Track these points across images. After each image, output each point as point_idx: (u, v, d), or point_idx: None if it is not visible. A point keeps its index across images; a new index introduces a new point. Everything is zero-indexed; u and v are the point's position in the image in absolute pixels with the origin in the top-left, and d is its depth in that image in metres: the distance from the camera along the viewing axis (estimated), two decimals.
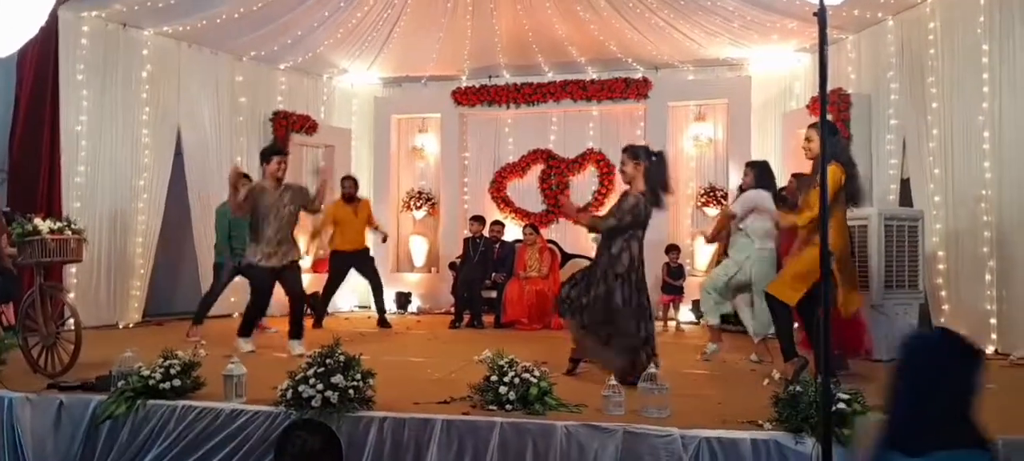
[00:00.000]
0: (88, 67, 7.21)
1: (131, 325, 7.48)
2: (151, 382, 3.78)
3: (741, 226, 5.36)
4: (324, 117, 9.69)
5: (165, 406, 3.73)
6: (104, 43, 7.36)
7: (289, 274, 5.65)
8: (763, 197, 5.32)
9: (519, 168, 9.68)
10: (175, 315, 8.19)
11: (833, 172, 4.22)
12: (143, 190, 7.70)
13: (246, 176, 6.21)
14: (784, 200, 6.19)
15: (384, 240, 8.37)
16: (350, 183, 7.92)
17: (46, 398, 3.96)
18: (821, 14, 2.56)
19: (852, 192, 4.44)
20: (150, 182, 7.77)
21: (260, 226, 5.56)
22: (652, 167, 4.57)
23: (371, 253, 8.08)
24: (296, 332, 5.65)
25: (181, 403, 3.73)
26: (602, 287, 4.46)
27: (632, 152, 4.65)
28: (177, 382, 3.79)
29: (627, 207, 4.49)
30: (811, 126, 4.55)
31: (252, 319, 5.80)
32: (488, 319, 7.92)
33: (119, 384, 3.87)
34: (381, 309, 7.82)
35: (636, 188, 4.56)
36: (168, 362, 3.86)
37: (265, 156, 5.75)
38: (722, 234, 5.65)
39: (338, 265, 7.83)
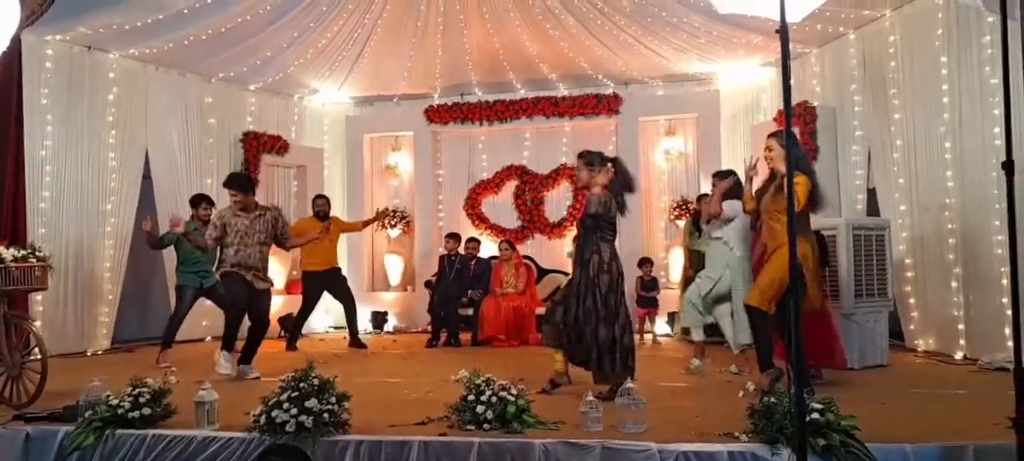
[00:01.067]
0: (52, 91, 7.08)
1: (99, 352, 7.31)
2: (120, 411, 3.69)
3: (718, 235, 5.43)
4: (295, 137, 9.62)
5: (135, 435, 3.64)
6: (69, 67, 7.25)
7: (261, 299, 5.60)
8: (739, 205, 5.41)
9: (493, 184, 9.70)
10: (145, 341, 8.03)
11: (801, 182, 4.32)
12: (110, 214, 7.56)
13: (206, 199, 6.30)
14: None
15: (384, 216, 8.42)
16: (322, 202, 7.82)
17: (12, 430, 3.85)
18: (783, 30, 2.62)
19: (816, 200, 4.53)
20: (118, 206, 7.63)
21: (226, 249, 5.62)
22: (615, 171, 4.62)
23: (343, 273, 7.99)
24: (248, 357, 5.63)
25: (151, 432, 3.65)
26: (584, 302, 4.48)
27: (586, 158, 4.69)
28: (147, 411, 3.71)
29: (593, 202, 4.53)
30: (771, 135, 4.65)
31: (234, 332, 5.64)
32: (465, 337, 7.88)
33: (87, 414, 3.77)
34: (354, 330, 7.72)
35: (595, 189, 4.61)
36: (137, 390, 3.77)
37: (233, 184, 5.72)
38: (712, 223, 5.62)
39: (311, 285, 7.74)
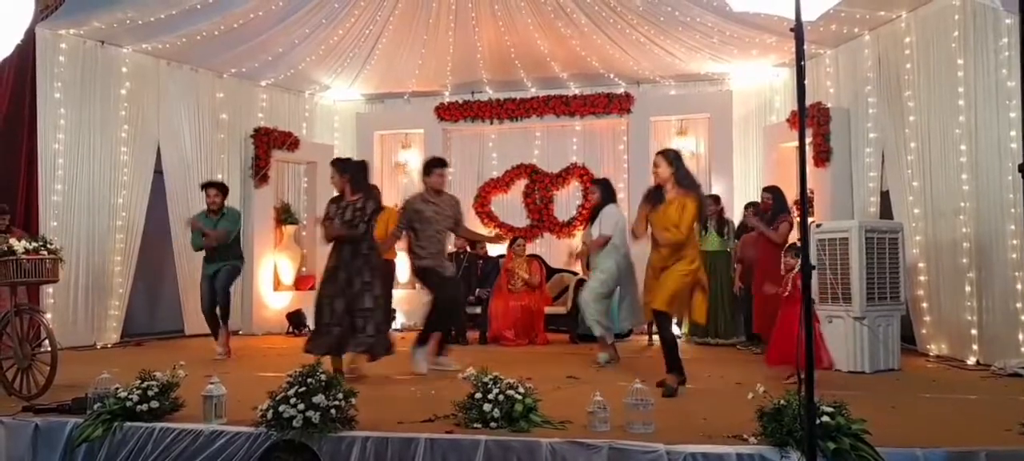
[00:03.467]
0: (66, 85, 7.13)
1: (109, 345, 7.36)
2: (128, 404, 3.70)
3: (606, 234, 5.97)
4: (306, 133, 9.65)
5: (143, 428, 3.65)
6: (82, 61, 7.29)
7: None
8: (616, 209, 6.19)
9: (503, 183, 9.68)
10: (154, 335, 8.08)
11: (691, 203, 4.66)
12: (122, 208, 7.61)
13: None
14: (758, 214, 6.40)
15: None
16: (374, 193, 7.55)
17: (21, 421, 3.87)
18: (798, 30, 2.59)
19: (703, 218, 4.98)
20: (129, 200, 7.68)
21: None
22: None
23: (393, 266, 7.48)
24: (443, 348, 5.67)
25: (159, 425, 3.66)
26: None
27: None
28: (155, 404, 3.72)
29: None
30: (660, 153, 4.92)
31: (435, 328, 5.60)
32: (473, 335, 7.86)
33: (95, 406, 3.79)
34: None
35: None
36: (145, 383, 3.78)
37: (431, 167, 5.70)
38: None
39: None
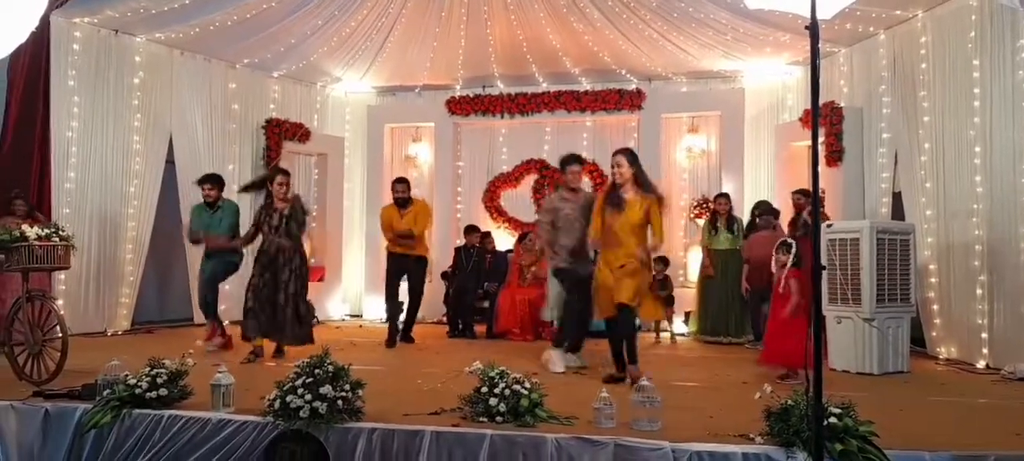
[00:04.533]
0: (79, 73, 7.18)
1: (119, 332, 7.42)
2: (137, 391, 3.73)
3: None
4: (317, 125, 9.68)
5: (151, 415, 3.68)
6: (96, 49, 7.33)
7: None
8: None
9: (513, 178, 9.67)
10: (165, 323, 8.14)
11: (657, 204, 4.86)
12: (133, 197, 7.66)
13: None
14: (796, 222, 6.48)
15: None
16: (401, 187, 7.21)
17: (31, 406, 3.91)
18: (813, 28, 2.57)
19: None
20: (141, 189, 7.73)
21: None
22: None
23: (425, 262, 7.40)
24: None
25: (167, 413, 3.69)
26: None
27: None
28: (164, 391, 3.75)
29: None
30: (619, 152, 4.98)
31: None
32: (480, 329, 7.88)
33: (105, 393, 3.82)
34: (407, 323, 7.27)
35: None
36: (155, 371, 3.81)
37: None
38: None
39: (390, 268, 7.20)
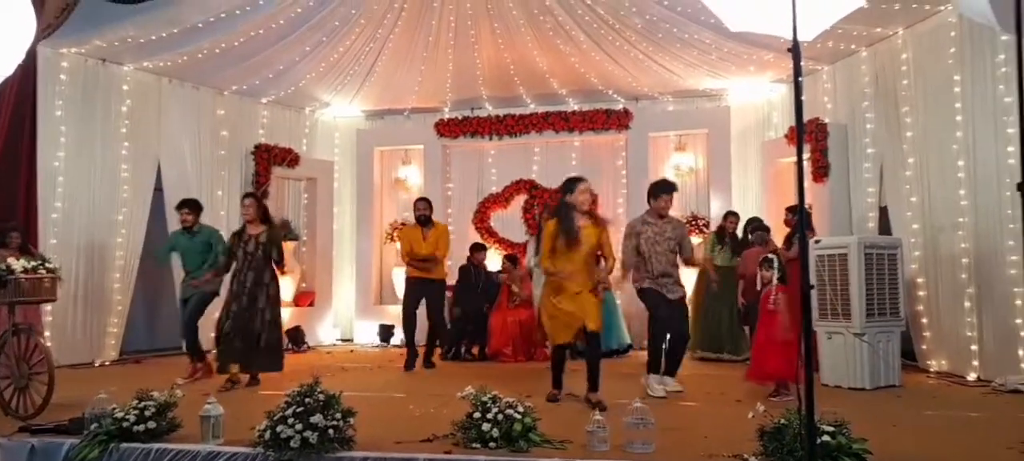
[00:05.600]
0: (67, 103, 7.16)
1: (107, 363, 7.34)
2: (125, 424, 3.69)
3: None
4: (306, 150, 9.68)
5: (139, 449, 3.64)
6: (83, 79, 7.33)
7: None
8: None
9: (502, 198, 9.69)
10: (154, 352, 8.06)
11: (603, 225, 5.03)
12: (121, 225, 7.62)
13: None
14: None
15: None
16: (423, 205, 7.20)
17: (17, 442, 3.86)
18: (795, 49, 2.60)
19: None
20: (129, 217, 7.69)
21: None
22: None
23: (444, 285, 7.33)
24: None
25: (156, 446, 3.64)
26: None
27: None
28: (152, 424, 3.70)
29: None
30: (585, 180, 5.08)
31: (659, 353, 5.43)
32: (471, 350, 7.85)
33: (92, 427, 3.77)
34: (429, 349, 7.18)
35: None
36: (143, 403, 3.77)
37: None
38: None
39: (408, 291, 7.17)
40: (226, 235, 6.62)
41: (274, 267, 5.97)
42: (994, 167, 5.68)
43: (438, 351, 7.47)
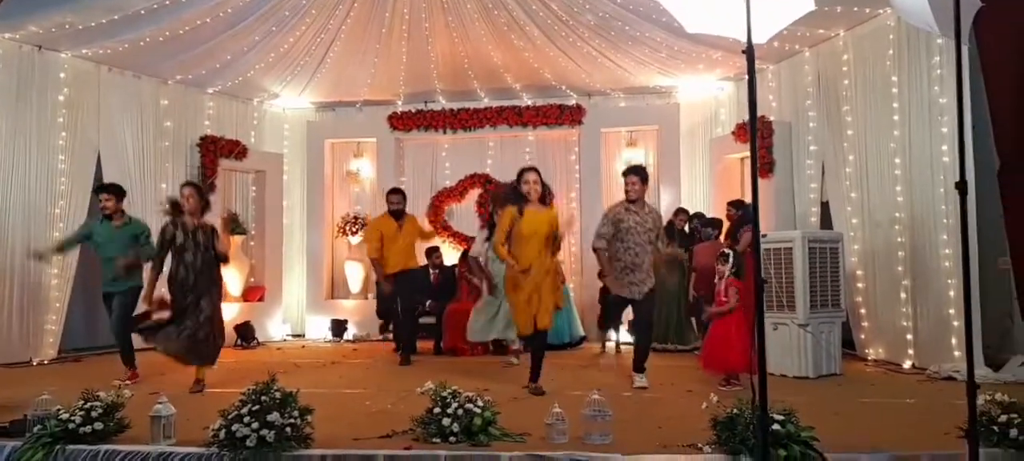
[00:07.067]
0: (1, 92, 6.84)
1: (46, 361, 7.06)
2: (71, 426, 3.56)
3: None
4: (255, 142, 9.47)
5: (86, 451, 3.51)
6: (18, 66, 7.02)
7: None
8: None
9: (456, 192, 9.68)
10: (94, 350, 7.77)
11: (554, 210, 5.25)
12: (59, 219, 7.32)
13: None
14: (713, 224, 6.70)
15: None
16: (397, 198, 7.10)
17: None
18: (749, 52, 2.68)
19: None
20: (67, 210, 7.39)
21: None
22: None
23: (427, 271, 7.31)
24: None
25: (104, 447, 3.53)
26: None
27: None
28: (99, 425, 3.58)
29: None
30: (531, 169, 5.26)
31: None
32: (426, 346, 7.80)
33: (36, 429, 3.63)
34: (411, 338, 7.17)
35: None
36: (89, 403, 3.65)
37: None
38: None
39: (397, 286, 7.02)
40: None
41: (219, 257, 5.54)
42: (928, 165, 5.96)
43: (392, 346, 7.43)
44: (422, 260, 8.28)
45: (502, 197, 5.82)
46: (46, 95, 7.25)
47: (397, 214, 7.06)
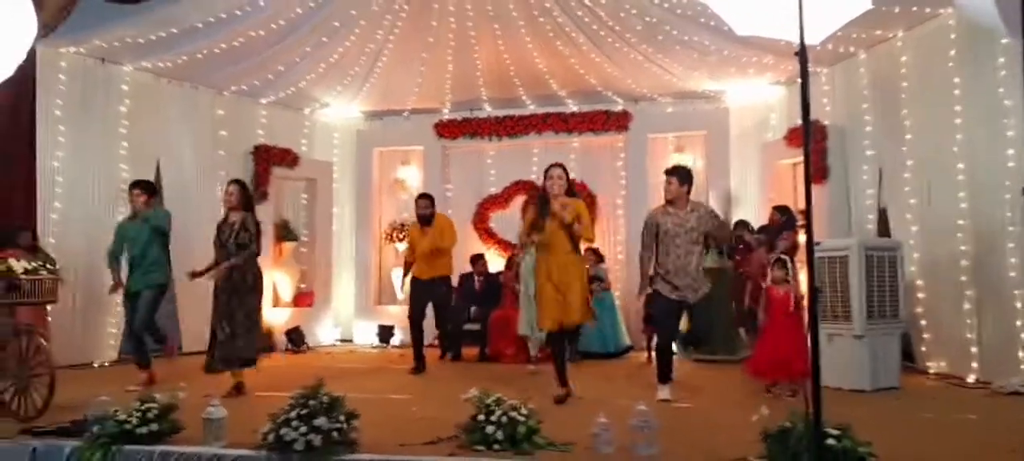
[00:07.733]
0: (66, 103, 7.14)
1: (106, 364, 7.31)
2: (127, 427, 3.67)
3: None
4: (306, 150, 9.66)
5: (142, 451, 3.62)
6: (82, 79, 7.30)
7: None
8: None
9: (502, 199, 9.69)
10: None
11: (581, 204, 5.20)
12: None
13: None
14: (766, 230, 6.54)
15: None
16: (424, 203, 7.03)
17: (19, 445, 3.84)
18: (802, 53, 2.61)
19: None
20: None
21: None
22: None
23: (450, 282, 7.22)
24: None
25: (158, 448, 3.63)
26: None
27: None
28: (154, 426, 3.70)
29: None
30: (558, 165, 5.28)
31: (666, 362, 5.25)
32: (471, 353, 7.81)
33: (94, 429, 3.76)
34: (454, 341, 7.32)
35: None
36: (145, 405, 3.76)
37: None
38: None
39: (413, 294, 7.02)
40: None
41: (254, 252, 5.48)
42: (993, 170, 5.70)
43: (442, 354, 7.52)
44: (467, 268, 8.33)
45: (528, 200, 5.84)
46: (109, 106, 7.53)
47: (422, 219, 6.99)
